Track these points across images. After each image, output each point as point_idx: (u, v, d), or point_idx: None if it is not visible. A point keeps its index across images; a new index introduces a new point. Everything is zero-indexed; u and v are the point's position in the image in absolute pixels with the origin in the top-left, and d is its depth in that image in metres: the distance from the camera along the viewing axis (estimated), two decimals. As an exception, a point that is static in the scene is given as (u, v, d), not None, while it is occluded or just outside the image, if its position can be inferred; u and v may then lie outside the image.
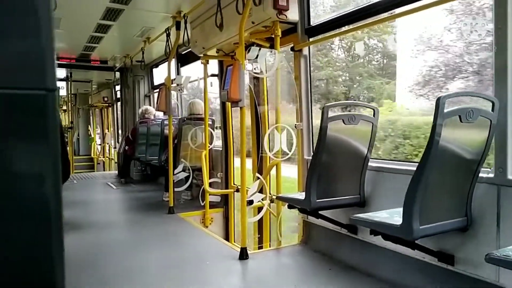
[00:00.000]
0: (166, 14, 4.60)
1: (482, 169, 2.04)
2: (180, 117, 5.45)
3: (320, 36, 3.24)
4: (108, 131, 10.89)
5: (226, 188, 4.81)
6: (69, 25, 5.03)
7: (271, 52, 3.16)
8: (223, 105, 4.84)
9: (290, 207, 3.00)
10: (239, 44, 3.10)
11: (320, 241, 3.21)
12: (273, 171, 3.51)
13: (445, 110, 1.81)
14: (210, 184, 4.59)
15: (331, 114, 2.53)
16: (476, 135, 2.00)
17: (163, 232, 3.91)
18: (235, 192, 4.57)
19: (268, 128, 3.48)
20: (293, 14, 3.23)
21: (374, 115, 2.70)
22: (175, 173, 4.64)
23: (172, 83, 4.75)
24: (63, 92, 9.60)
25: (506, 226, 1.94)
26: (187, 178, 4.74)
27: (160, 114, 6.46)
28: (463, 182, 2.05)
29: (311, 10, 3.30)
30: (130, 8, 4.46)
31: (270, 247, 3.91)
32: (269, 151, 3.23)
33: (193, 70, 5.54)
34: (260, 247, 4.09)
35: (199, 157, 4.57)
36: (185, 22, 4.44)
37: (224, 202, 4.81)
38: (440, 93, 1.87)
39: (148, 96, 7.73)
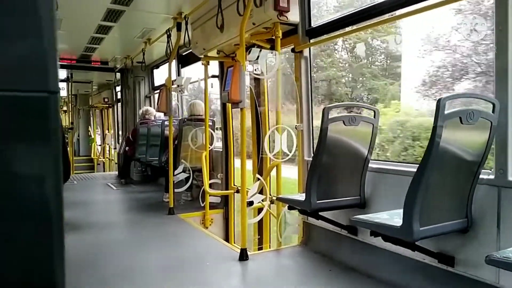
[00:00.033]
0: (167, 15, 4.60)
1: (483, 170, 2.04)
2: (180, 118, 5.45)
3: (320, 38, 3.25)
4: (109, 132, 10.89)
5: (226, 189, 4.81)
6: (70, 26, 5.04)
7: (271, 53, 3.17)
8: (223, 106, 4.84)
9: (290, 208, 3.00)
10: (240, 45, 3.10)
11: (320, 242, 3.21)
12: (273, 172, 3.51)
13: (446, 112, 1.81)
14: (210, 185, 4.59)
15: (332, 115, 2.54)
16: (477, 137, 2.00)
17: (163, 232, 3.91)
18: (235, 193, 4.57)
19: (269, 129, 3.48)
20: (293, 16, 3.24)
21: (374, 116, 2.70)
22: (175, 174, 4.64)
23: (172, 84, 4.75)
24: (63, 93, 9.63)
25: (506, 228, 1.94)
26: (187, 179, 4.73)
27: (160, 115, 6.46)
28: (463, 183, 2.05)
29: (314, 10, 3.31)
30: (131, 9, 4.46)
31: (270, 248, 3.91)
32: (270, 152, 3.24)
33: (193, 71, 5.55)
34: (260, 248, 4.09)
35: (199, 158, 4.57)
36: (186, 23, 4.45)
37: (224, 203, 4.81)
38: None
39: (149, 97, 7.73)
